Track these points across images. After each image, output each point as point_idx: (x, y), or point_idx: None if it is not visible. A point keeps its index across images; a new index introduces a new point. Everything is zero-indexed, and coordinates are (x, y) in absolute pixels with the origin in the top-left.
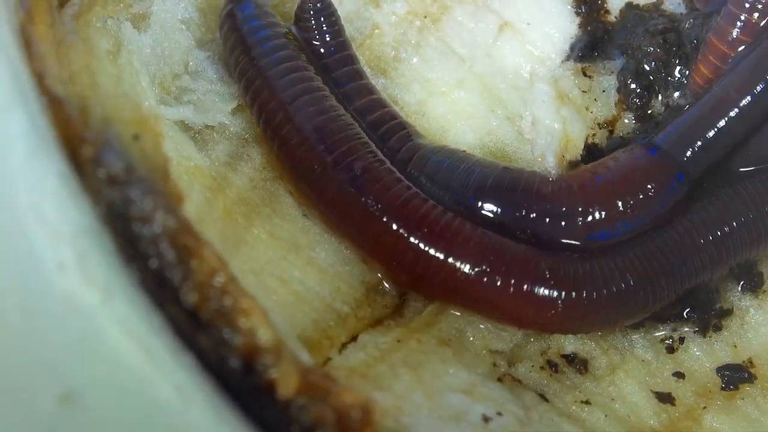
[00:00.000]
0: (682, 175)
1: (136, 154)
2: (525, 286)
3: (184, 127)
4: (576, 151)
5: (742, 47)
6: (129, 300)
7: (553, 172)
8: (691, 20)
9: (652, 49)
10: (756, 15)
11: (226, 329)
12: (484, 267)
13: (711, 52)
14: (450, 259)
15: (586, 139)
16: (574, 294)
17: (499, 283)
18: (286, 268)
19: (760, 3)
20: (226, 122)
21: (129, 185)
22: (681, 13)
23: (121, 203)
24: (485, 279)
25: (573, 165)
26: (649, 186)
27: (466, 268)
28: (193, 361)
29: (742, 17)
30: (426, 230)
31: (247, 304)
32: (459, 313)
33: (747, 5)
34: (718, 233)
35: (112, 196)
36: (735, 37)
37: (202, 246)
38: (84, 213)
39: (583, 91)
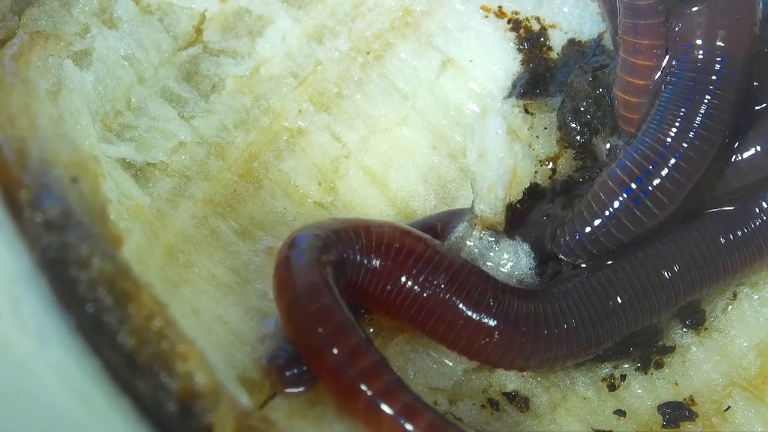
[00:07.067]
0: None
1: (74, 197)
2: (465, 309)
3: (126, 164)
4: (519, 188)
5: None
6: (64, 346)
7: (500, 206)
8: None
9: (583, 87)
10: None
11: (163, 373)
12: (437, 283)
13: (619, 104)
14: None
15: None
16: (512, 327)
17: (443, 302)
18: (227, 307)
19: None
20: (167, 160)
21: (66, 230)
22: (613, 50)
23: (58, 248)
24: (434, 297)
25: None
26: None
27: (422, 283)
28: (130, 406)
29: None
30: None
31: (184, 347)
32: (405, 337)
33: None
34: (666, 276)
35: (49, 241)
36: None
37: (140, 289)
38: (19, 259)
39: (527, 128)
